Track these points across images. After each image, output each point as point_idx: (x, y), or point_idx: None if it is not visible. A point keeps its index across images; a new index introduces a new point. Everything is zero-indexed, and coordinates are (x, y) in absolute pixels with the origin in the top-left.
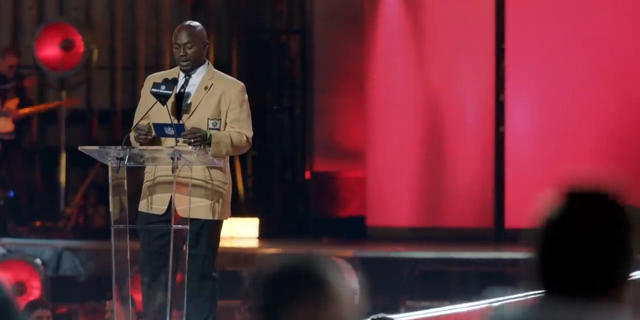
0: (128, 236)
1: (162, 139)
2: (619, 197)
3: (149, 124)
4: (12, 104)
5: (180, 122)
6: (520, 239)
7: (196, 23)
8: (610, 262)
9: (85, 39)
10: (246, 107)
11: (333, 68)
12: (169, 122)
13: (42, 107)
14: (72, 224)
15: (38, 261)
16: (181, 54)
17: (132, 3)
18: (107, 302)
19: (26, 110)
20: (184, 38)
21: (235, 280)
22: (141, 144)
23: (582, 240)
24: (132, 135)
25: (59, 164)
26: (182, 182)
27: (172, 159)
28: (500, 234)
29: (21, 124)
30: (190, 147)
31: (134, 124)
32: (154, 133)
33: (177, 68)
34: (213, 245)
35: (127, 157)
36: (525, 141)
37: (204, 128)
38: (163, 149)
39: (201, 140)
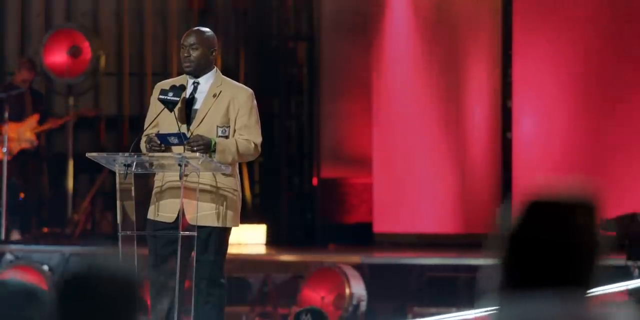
0: (135, 242)
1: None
2: (585, 206)
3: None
4: (34, 121)
5: (189, 129)
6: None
7: (207, 29)
8: (574, 269)
9: (93, 46)
10: (255, 114)
11: (340, 74)
12: (177, 128)
13: (62, 120)
14: (80, 230)
15: (45, 267)
16: (185, 55)
17: (139, 9)
18: None
19: (48, 125)
20: (190, 39)
21: (243, 286)
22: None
23: (546, 247)
24: (142, 143)
25: (67, 171)
26: (190, 188)
27: (180, 165)
28: None
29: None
30: (198, 153)
31: (144, 131)
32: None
33: (186, 75)
34: (221, 251)
35: (134, 163)
36: (533, 147)
37: (213, 135)
38: (170, 155)
39: (204, 147)
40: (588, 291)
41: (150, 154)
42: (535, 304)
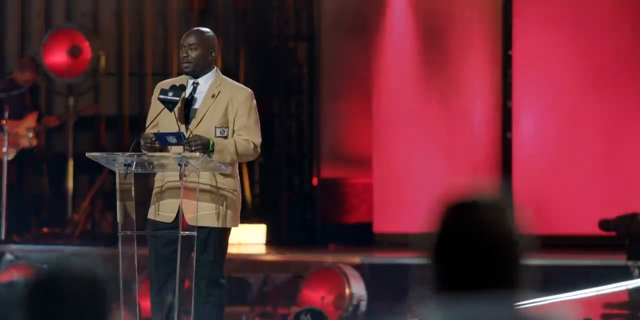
0: (135, 242)
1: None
2: (497, 206)
3: (153, 137)
4: (32, 119)
5: (187, 129)
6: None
7: (207, 29)
8: (495, 268)
9: (93, 46)
10: (254, 114)
11: (340, 74)
12: (177, 128)
13: (61, 120)
14: (80, 231)
15: (45, 267)
16: (183, 55)
17: (139, 9)
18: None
19: (51, 122)
20: (189, 40)
21: (243, 286)
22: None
23: (465, 248)
24: (141, 142)
25: (67, 171)
26: (190, 188)
27: (180, 165)
28: None
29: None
30: (198, 153)
31: (146, 130)
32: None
33: (186, 75)
34: (221, 251)
35: (134, 163)
36: (533, 147)
37: (212, 136)
38: (170, 155)
39: (202, 147)
40: (515, 291)
41: (150, 154)
42: (467, 307)
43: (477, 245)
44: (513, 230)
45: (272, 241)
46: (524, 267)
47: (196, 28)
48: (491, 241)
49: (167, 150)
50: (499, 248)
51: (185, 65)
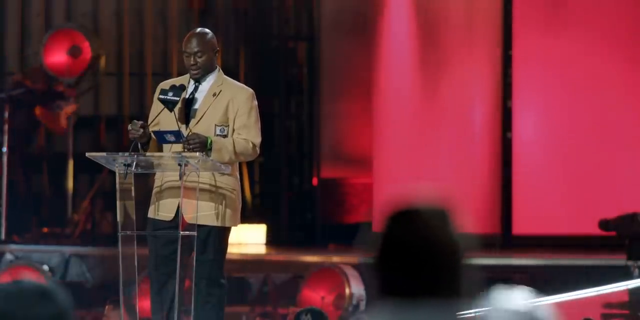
0: (135, 242)
1: (170, 145)
2: (439, 212)
3: (142, 123)
4: (72, 107)
5: (187, 128)
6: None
7: (206, 30)
8: (438, 273)
9: (93, 45)
10: (255, 114)
11: (340, 75)
12: (176, 128)
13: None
14: (80, 230)
15: (45, 267)
16: (192, 63)
17: (139, 9)
18: (107, 307)
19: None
20: (194, 47)
21: (243, 286)
22: (136, 139)
23: (409, 254)
24: (129, 128)
25: (67, 170)
26: (189, 187)
27: (180, 165)
28: (507, 240)
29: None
30: (197, 153)
31: None
32: (151, 135)
33: (188, 75)
34: (221, 251)
35: (134, 163)
36: (533, 147)
37: (211, 134)
38: (170, 155)
39: (200, 146)
40: (462, 296)
41: (149, 154)
42: (408, 312)
43: (419, 252)
44: (454, 238)
45: (272, 241)
46: (467, 273)
47: (197, 31)
48: (432, 248)
49: (162, 149)
50: (440, 255)
51: (195, 72)
